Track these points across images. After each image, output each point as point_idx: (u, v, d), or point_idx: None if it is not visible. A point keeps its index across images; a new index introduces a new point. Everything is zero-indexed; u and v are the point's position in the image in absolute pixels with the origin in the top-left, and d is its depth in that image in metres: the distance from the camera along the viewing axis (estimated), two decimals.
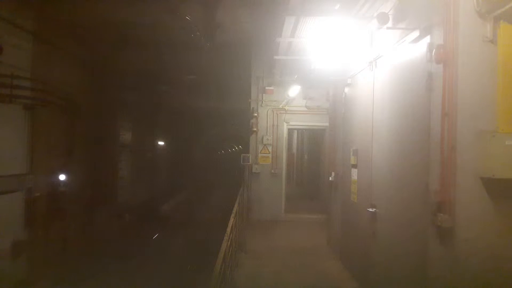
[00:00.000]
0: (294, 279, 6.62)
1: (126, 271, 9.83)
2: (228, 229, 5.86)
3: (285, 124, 11.60)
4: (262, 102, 11.49)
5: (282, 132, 11.59)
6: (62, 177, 9.26)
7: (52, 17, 8.60)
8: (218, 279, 4.10)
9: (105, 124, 12.28)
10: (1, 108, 7.21)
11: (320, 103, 10.96)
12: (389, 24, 4.68)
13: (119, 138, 14.52)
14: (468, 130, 3.50)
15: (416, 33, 4.14)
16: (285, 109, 11.49)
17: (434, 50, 3.73)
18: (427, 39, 3.98)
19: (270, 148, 11.48)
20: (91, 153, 11.10)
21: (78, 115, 9.85)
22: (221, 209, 16.37)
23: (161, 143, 20.95)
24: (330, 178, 8.03)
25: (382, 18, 4.51)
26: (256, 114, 11.42)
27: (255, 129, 11.42)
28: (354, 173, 6.44)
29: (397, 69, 4.88)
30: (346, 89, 7.11)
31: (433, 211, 3.65)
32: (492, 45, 3.52)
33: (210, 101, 19.02)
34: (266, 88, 11.43)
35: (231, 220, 6.47)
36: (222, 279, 4.44)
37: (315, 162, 15.16)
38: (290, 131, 14.27)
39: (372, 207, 5.39)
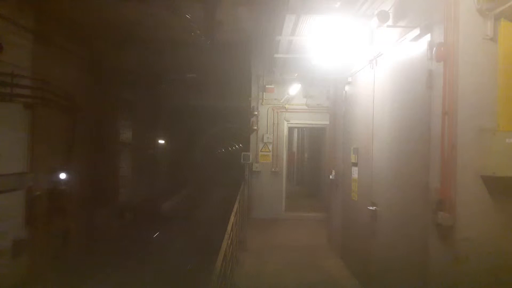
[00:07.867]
0: (295, 277, 6.63)
1: (127, 270, 9.84)
2: (229, 227, 5.85)
3: (285, 123, 11.59)
4: (263, 100, 11.48)
5: (283, 131, 11.59)
6: (62, 175, 9.26)
7: (53, 16, 8.60)
8: (219, 278, 4.10)
9: (105, 123, 12.27)
10: (2, 107, 7.21)
11: (320, 101, 10.96)
12: (390, 22, 4.67)
13: (120, 136, 14.51)
14: (468, 128, 3.50)
15: (416, 31, 4.14)
16: (285, 107, 11.48)
17: (434, 48, 3.72)
18: (427, 37, 3.98)
19: (270, 147, 11.47)
20: (91, 152, 11.09)
21: (79, 113, 9.85)
22: (221, 207, 16.40)
23: (161, 141, 20.96)
24: (331, 177, 8.03)
25: (383, 16, 4.51)
26: (256, 113, 11.41)
27: (255, 127, 11.42)
28: (355, 171, 6.44)
29: (397, 67, 4.88)
30: (347, 87, 7.10)
31: (433, 209, 3.65)
32: (493, 43, 3.52)
33: (210, 99, 19.02)
34: (267, 86, 11.42)
35: (232, 218, 6.46)
36: (222, 277, 4.45)
37: (316, 160, 15.17)
38: (291, 130, 14.29)
39: (372, 205, 5.40)
